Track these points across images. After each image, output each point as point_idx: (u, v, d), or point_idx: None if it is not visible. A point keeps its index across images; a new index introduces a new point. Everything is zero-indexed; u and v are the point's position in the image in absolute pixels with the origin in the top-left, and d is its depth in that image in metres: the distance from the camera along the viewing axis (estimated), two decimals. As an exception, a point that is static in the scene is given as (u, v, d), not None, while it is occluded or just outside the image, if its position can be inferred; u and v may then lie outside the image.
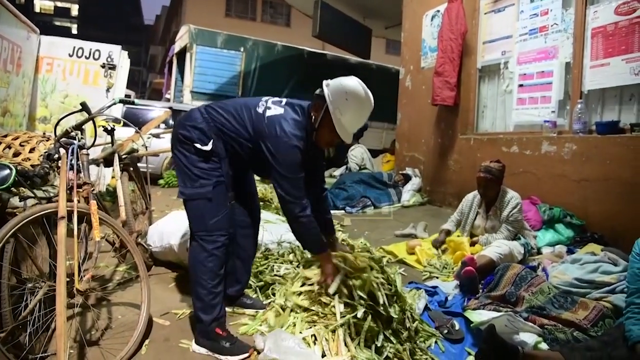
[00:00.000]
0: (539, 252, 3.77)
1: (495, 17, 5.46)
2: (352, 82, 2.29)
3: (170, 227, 3.31)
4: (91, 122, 2.69)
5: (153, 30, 39.32)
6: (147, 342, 2.28)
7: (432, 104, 5.92)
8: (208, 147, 2.30)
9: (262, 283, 2.92)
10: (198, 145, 2.29)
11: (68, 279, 1.98)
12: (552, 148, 4.42)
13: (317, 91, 2.34)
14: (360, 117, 2.33)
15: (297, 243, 3.33)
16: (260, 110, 2.36)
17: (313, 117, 2.34)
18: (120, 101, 3.07)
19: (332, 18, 9.25)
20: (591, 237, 3.87)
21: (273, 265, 3.08)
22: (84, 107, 2.55)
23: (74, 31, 42.99)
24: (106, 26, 38.70)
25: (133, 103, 3.26)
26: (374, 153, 8.94)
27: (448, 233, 3.96)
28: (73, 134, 2.52)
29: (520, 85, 5.01)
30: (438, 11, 6.16)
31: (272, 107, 2.37)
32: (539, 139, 4.58)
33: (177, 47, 10.48)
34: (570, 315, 2.54)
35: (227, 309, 2.63)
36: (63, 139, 2.50)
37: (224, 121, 2.36)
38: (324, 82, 2.34)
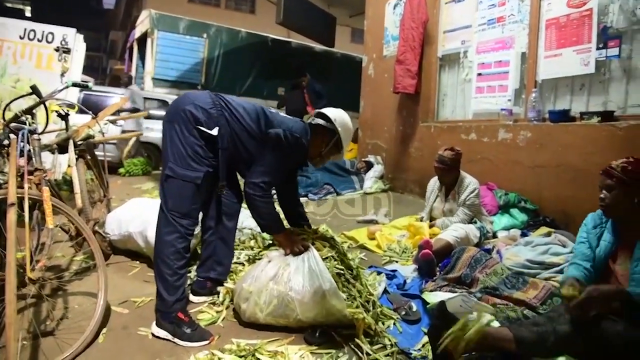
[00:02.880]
0: (495, 236, 3.89)
1: (456, 7, 5.55)
2: (344, 114, 2.66)
3: (129, 215, 3.26)
4: (43, 106, 2.60)
5: (113, 15, 37.76)
6: (104, 330, 2.26)
7: (394, 92, 5.98)
8: (214, 132, 2.30)
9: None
10: (203, 129, 2.28)
11: (20, 269, 1.93)
12: (508, 135, 4.56)
13: (322, 123, 2.61)
14: (348, 141, 2.68)
15: (258, 230, 3.35)
16: (272, 110, 2.58)
17: (321, 142, 2.64)
18: (74, 84, 2.96)
19: (296, 5, 9.13)
20: (544, 220, 4.02)
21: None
22: (34, 90, 2.46)
23: (28, 14, 40.79)
24: (62, 9, 36.68)
25: (87, 87, 3.16)
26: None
27: (421, 221, 4.02)
28: (23, 118, 2.43)
29: (479, 74, 5.12)
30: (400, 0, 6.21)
31: (282, 114, 2.64)
32: (496, 126, 4.71)
33: (137, 33, 10.14)
34: (521, 295, 2.65)
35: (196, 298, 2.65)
36: (12, 123, 2.41)
37: (234, 111, 2.40)
38: (330, 115, 2.59)
